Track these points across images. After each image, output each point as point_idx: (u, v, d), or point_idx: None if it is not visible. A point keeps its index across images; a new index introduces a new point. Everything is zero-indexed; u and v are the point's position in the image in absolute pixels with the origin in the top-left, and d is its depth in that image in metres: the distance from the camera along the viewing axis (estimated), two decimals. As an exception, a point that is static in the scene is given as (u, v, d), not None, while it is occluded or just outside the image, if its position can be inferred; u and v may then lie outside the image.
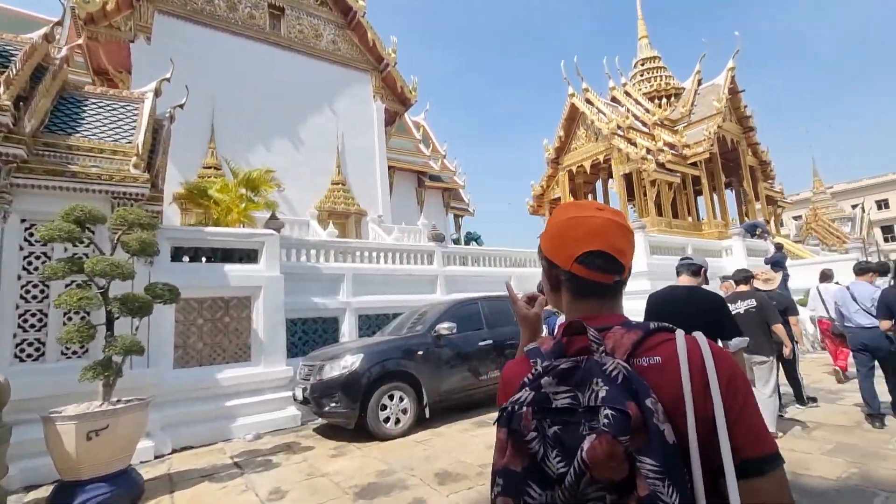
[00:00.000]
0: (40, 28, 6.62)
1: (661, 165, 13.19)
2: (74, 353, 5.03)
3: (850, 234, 26.10)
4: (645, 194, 13.27)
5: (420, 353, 5.86)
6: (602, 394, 0.61)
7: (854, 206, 31.08)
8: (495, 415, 0.73)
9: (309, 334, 7.87)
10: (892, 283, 4.88)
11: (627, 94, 16.72)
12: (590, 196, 17.67)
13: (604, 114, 14.19)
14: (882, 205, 42.51)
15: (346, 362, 5.42)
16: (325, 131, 17.86)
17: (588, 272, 0.77)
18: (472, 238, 27.08)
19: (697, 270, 3.38)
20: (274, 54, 17.20)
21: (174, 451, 5.58)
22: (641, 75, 17.86)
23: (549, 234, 0.85)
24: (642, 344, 0.72)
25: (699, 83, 16.57)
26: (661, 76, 17.48)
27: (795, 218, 35.05)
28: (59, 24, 7.23)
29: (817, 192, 30.51)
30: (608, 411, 0.59)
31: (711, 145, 13.96)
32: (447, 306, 6.65)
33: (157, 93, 7.26)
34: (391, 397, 5.52)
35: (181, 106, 7.59)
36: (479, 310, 6.78)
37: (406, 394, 5.63)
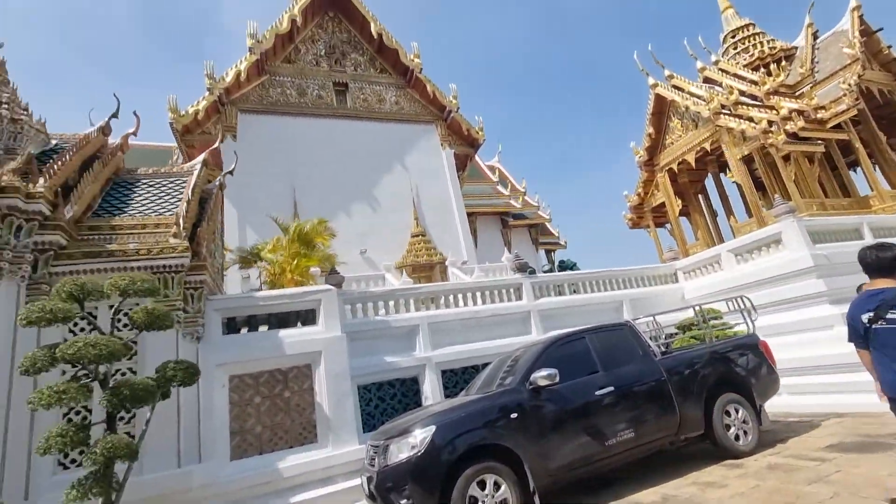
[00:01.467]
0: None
1: (792, 136, 10.46)
2: (74, 461, 4.25)
3: None
4: (778, 176, 10.51)
5: (514, 415, 4.25)
6: None
7: None
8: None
9: (386, 400, 6.64)
10: None
11: (723, 70, 14.19)
12: (701, 197, 14.90)
13: (699, 97, 11.93)
14: None
15: (414, 439, 4.02)
16: (399, 188, 17.86)
17: None
18: (566, 266, 24.69)
19: None
20: (343, 126, 17.94)
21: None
22: (735, 48, 15.22)
23: None
24: None
25: (815, 37, 13.56)
26: (761, 42, 14.71)
27: None
28: (134, 133, 7.44)
29: None
30: None
31: (856, 99, 10.89)
32: (542, 346, 5.00)
33: (206, 163, 7.07)
34: (482, 485, 3.94)
35: (231, 172, 7.35)
36: (589, 346, 5.02)
37: (503, 476, 4.02)
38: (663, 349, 6.34)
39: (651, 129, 13.38)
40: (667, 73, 13.51)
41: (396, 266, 15.78)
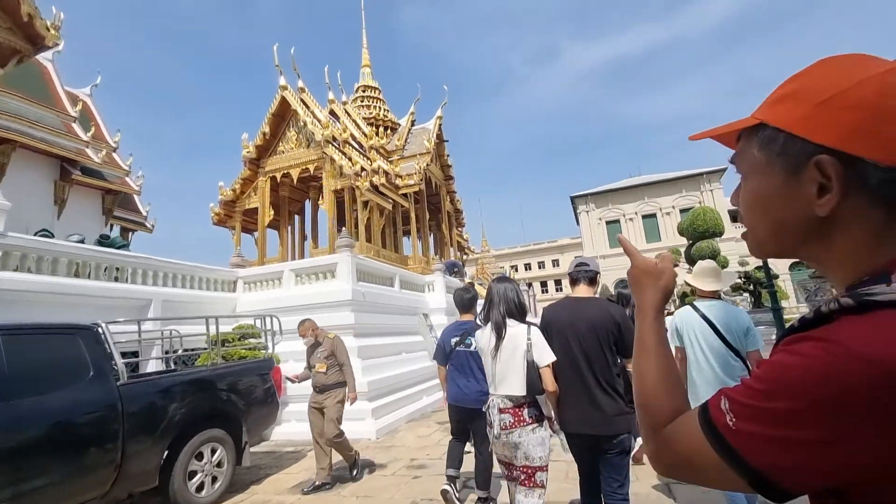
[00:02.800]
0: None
1: (374, 188, 11.97)
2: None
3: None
4: (356, 217, 11.69)
5: None
6: None
7: (511, 266, 39.75)
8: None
9: None
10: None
11: (347, 112, 15.43)
12: (297, 217, 15.09)
13: (319, 120, 12.15)
14: (540, 265, 55.40)
15: None
16: None
17: None
18: (112, 244, 19.46)
19: (594, 277, 2.70)
20: None
21: None
22: (361, 101, 17.09)
23: (850, 102, 0.50)
24: None
25: (413, 123, 16.93)
26: (380, 107, 17.14)
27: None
28: None
29: (484, 249, 37.51)
30: None
31: (421, 180, 13.85)
32: None
33: None
34: None
35: None
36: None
37: None
38: (168, 369, 4.86)
39: (267, 129, 12.53)
40: (300, 84, 13.28)
41: None
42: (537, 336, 2.54)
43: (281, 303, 8.52)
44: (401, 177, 13.73)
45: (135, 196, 23.38)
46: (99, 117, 23.70)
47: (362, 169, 11.59)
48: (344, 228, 8.57)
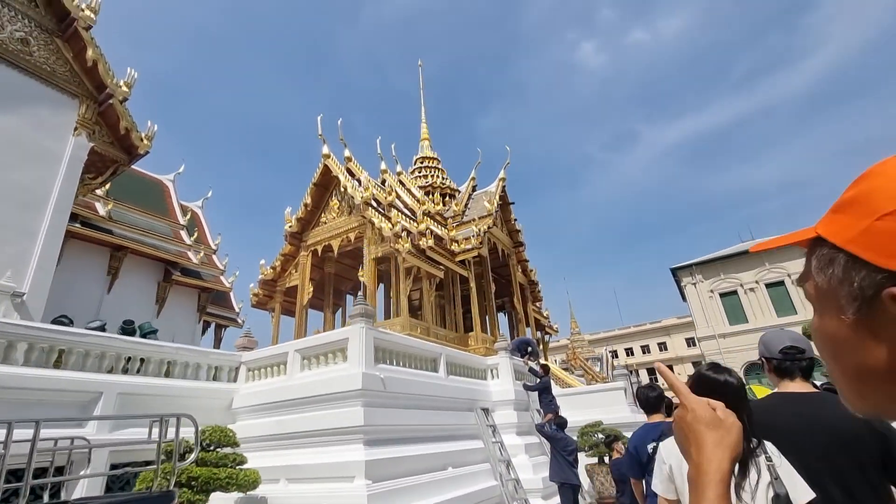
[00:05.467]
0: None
1: (421, 252, 10.11)
2: None
3: (599, 372, 27.80)
4: (399, 287, 9.77)
5: None
6: None
7: (610, 351, 34.80)
8: None
9: None
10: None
11: (401, 182, 14.39)
12: (348, 297, 13.61)
13: (359, 181, 11.00)
14: (645, 349, 50.80)
15: None
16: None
17: None
18: (136, 331, 18.98)
19: (812, 368, 1.85)
20: None
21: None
22: (419, 171, 16.15)
23: None
24: None
25: (474, 189, 15.41)
26: (440, 175, 15.99)
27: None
28: None
29: (574, 332, 33.22)
30: None
31: (481, 243, 11.78)
32: None
33: None
34: None
35: None
36: None
37: None
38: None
39: (309, 200, 11.61)
40: (346, 153, 12.52)
41: None
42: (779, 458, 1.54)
43: (285, 394, 6.48)
44: (457, 241, 11.82)
45: (228, 293, 24.39)
46: (205, 224, 25.81)
47: (403, 229, 9.86)
48: (360, 295, 6.57)
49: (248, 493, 5.28)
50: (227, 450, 5.48)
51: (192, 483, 4.73)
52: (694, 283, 35.80)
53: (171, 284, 20.74)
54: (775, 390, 1.90)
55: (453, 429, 7.42)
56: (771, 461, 1.60)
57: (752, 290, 33.51)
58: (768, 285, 32.96)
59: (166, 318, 19.35)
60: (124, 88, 15.15)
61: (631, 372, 11.67)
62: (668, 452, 1.80)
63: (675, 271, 37.01)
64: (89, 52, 14.42)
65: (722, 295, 34.45)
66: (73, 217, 15.40)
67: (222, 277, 23.56)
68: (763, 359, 1.93)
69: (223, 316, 24.40)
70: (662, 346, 51.75)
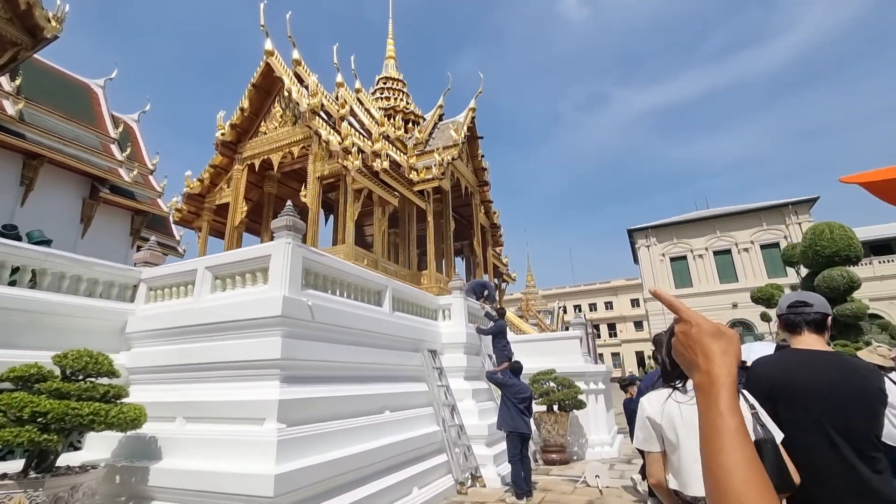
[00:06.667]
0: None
1: (374, 174, 8.83)
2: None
3: (549, 325, 28.15)
4: (346, 212, 8.52)
5: None
6: None
7: (559, 307, 35.32)
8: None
9: None
10: None
11: (359, 100, 12.72)
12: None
13: (307, 87, 9.36)
14: (592, 307, 52.71)
15: None
16: None
17: None
18: (34, 240, 16.72)
19: (823, 322, 1.88)
20: None
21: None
22: (381, 92, 14.40)
23: None
24: None
25: (440, 118, 13.94)
26: (402, 98, 14.36)
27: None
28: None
29: (529, 285, 33.34)
30: None
31: (443, 174, 10.58)
32: None
33: None
34: None
35: None
36: None
37: None
38: None
39: (247, 104, 9.81)
40: (295, 55, 10.64)
41: None
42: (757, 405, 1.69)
43: (191, 318, 5.29)
44: (416, 170, 10.56)
45: (168, 218, 22.21)
46: (141, 141, 22.79)
47: (354, 145, 8.46)
48: (289, 204, 5.33)
49: (128, 432, 4.20)
50: (105, 380, 4.31)
51: (38, 419, 3.59)
52: (647, 246, 36.54)
53: (97, 202, 18.44)
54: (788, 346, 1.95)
55: (395, 369, 6.56)
56: (755, 408, 1.67)
57: (700, 256, 34.60)
58: (716, 253, 34.10)
59: (93, 238, 17.38)
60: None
61: (588, 323, 11.25)
62: (648, 402, 1.79)
63: (631, 233, 37.58)
64: None
65: (672, 259, 35.44)
66: (-38, 107, 12.80)
67: (160, 201, 21.37)
68: (778, 317, 1.99)
69: (161, 243, 22.31)
70: (609, 305, 53.74)
